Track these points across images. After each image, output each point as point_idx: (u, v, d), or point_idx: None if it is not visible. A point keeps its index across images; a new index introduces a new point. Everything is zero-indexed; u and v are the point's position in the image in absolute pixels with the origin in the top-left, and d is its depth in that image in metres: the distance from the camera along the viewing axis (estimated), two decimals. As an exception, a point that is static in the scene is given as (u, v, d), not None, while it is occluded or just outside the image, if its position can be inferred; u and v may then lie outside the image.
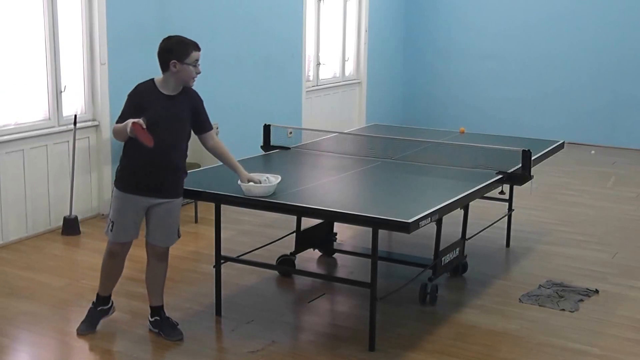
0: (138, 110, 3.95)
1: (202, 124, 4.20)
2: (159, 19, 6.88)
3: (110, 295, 4.36)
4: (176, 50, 3.96)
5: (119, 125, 3.94)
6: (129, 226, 4.12)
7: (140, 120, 3.81)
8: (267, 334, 4.31)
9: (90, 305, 4.34)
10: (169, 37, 4.05)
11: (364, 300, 4.33)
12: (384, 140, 6.02)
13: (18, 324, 4.44)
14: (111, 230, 4.13)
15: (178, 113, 4.05)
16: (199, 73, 4.04)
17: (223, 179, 4.53)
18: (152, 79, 4.07)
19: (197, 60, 4.00)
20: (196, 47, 4.00)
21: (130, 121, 3.80)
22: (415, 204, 4.23)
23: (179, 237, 4.28)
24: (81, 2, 6.29)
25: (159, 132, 3.93)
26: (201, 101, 4.18)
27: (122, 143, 4.07)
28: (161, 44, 4.03)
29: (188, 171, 4.26)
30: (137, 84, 4.09)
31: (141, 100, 3.99)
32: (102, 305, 4.33)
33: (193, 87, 4.13)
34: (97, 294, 4.33)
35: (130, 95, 4.05)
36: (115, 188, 4.12)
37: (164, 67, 3.99)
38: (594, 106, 10.33)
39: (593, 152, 9.67)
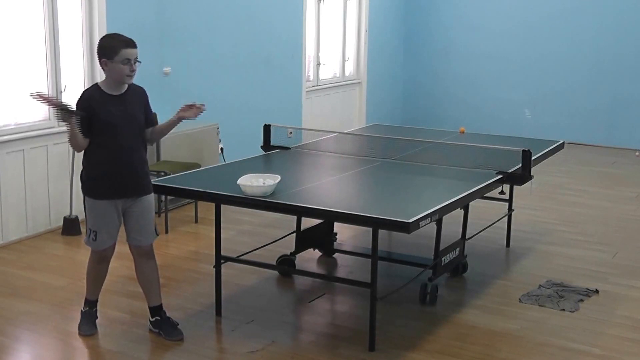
0: (90, 114, 3.93)
1: (149, 120, 4.21)
2: (159, 19, 6.89)
3: (97, 299, 4.36)
4: (105, 49, 3.94)
5: (69, 135, 3.93)
6: (112, 231, 4.12)
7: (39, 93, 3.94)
8: (267, 334, 4.31)
9: (82, 309, 4.32)
10: (103, 36, 4.07)
11: (364, 300, 4.33)
12: (384, 140, 6.02)
13: (18, 324, 4.44)
14: (94, 240, 4.09)
15: (131, 111, 4.04)
16: (134, 71, 3.97)
17: (223, 179, 4.54)
18: (96, 83, 4.07)
19: (130, 59, 3.92)
20: (126, 45, 3.93)
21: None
22: (415, 204, 4.23)
23: (157, 234, 4.28)
24: (81, 2, 6.30)
25: (118, 133, 3.97)
26: (147, 97, 4.19)
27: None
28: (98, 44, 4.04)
29: (188, 171, 4.26)
30: (83, 91, 4.06)
31: (90, 105, 3.95)
32: (95, 306, 4.34)
33: (136, 83, 4.12)
34: (88, 300, 4.31)
35: (77, 103, 3.98)
36: (88, 198, 4.07)
37: (100, 66, 3.99)
38: (593, 106, 10.34)
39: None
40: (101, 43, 3.99)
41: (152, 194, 4.21)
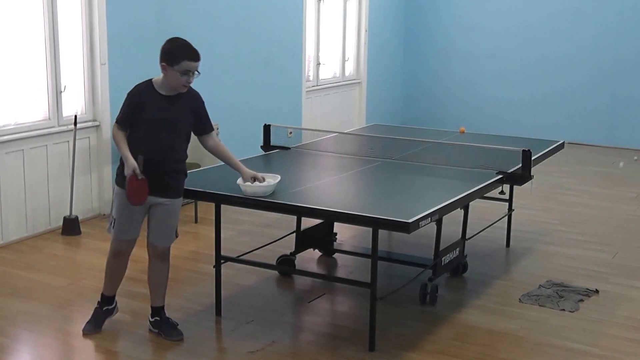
0: (137, 110, 3.97)
1: (202, 126, 4.19)
2: (159, 19, 6.89)
3: (114, 295, 4.35)
4: (168, 54, 3.93)
5: (123, 149, 3.94)
6: (132, 223, 4.11)
7: (137, 172, 3.87)
8: (267, 334, 4.31)
9: (95, 305, 4.33)
10: (171, 39, 4.02)
11: (364, 300, 4.33)
12: (384, 140, 6.02)
13: (18, 324, 4.44)
14: (113, 227, 4.13)
15: (177, 114, 4.05)
16: (189, 83, 3.99)
17: (223, 179, 4.54)
18: (150, 80, 4.06)
19: (190, 70, 3.93)
20: (190, 57, 3.92)
21: (130, 169, 3.86)
22: (415, 204, 4.23)
23: (176, 237, 4.28)
24: (81, 2, 6.30)
25: (157, 133, 3.98)
26: (202, 102, 4.17)
27: None
28: (164, 43, 4.02)
29: (188, 171, 4.26)
30: (136, 84, 4.09)
31: (140, 100, 4.00)
32: (107, 305, 4.33)
33: (192, 87, 4.11)
34: (102, 294, 4.32)
35: (130, 96, 4.05)
36: (117, 186, 4.10)
37: (160, 67, 3.99)
38: (593, 106, 10.34)
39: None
40: (167, 47, 3.97)
41: (180, 198, 4.19)
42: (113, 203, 4.16)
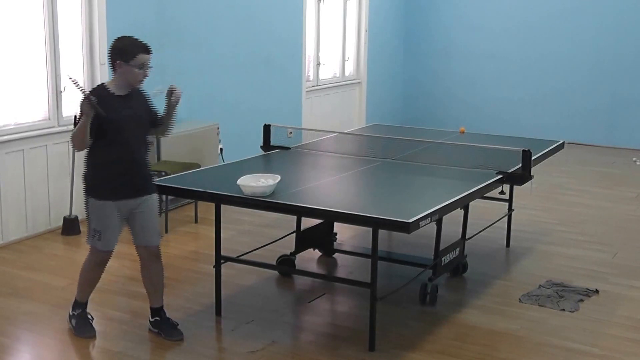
0: (95, 116, 3.93)
1: (157, 116, 4.23)
2: (159, 19, 6.89)
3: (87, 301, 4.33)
4: (121, 51, 3.94)
5: (77, 129, 3.92)
6: (116, 232, 4.11)
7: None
8: (267, 334, 4.31)
9: (74, 312, 4.28)
10: (119, 38, 4.03)
11: (364, 300, 4.33)
12: (384, 140, 6.02)
13: (18, 324, 4.44)
14: (99, 240, 4.08)
15: (137, 111, 4.06)
16: (146, 76, 4.00)
17: (223, 179, 4.54)
18: (102, 83, 4.07)
19: (145, 63, 3.96)
20: (144, 50, 3.96)
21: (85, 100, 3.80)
22: (415, 204, 4.23)
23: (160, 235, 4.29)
24: (81, 2, 6.30)
25: (124, 133, 3.98)
26: (149, 96, 4.21)
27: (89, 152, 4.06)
28: (112, 43, 4.02)
29: (188, 171, 4.26)
30: (89, 90, 4.05)
31: (101, 105, 3.95)
32: (85, 308, 4.31)
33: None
34: (78, 302, 4.27)
35: None
36: (91, 198, 4.06)
37: (112, 67, 3.99)
38: (593, 106, 10.34)
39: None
40: (118, 44, 3.98)
41: (157, 194, 4.22)
42: (90, 216, 4.09)
